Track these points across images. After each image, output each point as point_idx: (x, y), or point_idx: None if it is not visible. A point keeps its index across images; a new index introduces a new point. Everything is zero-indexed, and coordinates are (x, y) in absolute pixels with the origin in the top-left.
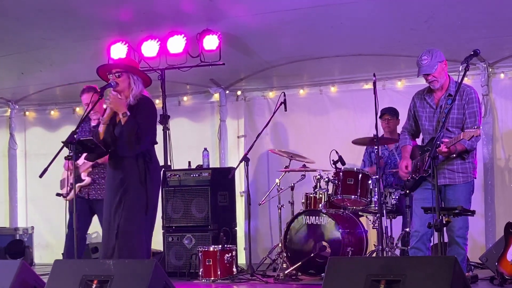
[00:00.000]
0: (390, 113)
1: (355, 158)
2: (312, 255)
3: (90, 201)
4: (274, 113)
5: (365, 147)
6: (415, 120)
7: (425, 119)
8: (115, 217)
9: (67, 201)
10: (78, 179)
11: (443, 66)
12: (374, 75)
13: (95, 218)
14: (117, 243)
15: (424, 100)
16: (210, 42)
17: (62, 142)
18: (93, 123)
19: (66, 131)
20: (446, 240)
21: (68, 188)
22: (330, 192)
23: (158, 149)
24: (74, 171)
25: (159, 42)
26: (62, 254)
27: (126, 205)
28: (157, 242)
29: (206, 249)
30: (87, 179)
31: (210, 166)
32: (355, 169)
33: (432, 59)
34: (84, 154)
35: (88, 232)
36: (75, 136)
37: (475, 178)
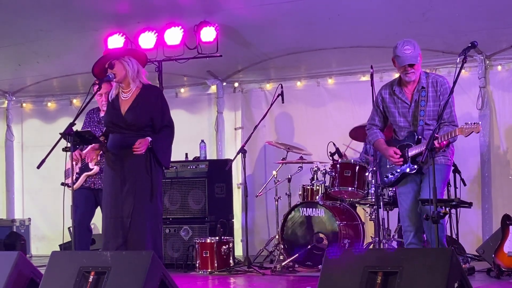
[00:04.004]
0: None
1: (352, 150)
2: (309, 247)
3: (95, 191)
4: (272, 105)
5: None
6: (384, 115)
7: (399, 115)
8: (123, 207)
9: (68, 193)
10: (85, 168)
11: (420, 59)
12: (372, 67)
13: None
14: (130, 231)
15: (395, 95)
16: (208, 34)
17: (60, 133)
18: (102, 114)
19: (63, 122)
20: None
21: (74, 177)
22: (327, 184)
23: None
24: (72, 163)
25: (156, 34)
26: (60, 246)
27: (136, 194)
28: None
29: (203, 241)
30: (95, 168)
31: (207, 158)
32: (352, 161)
33: (415, 50)
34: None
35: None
36: (83, 127)
37: (452, 161)
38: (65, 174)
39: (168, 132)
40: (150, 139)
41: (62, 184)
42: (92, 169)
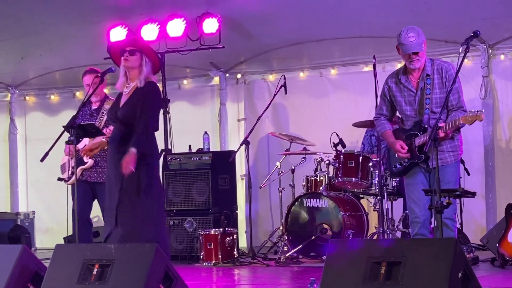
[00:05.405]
0: None
1: (355, 140)
2: (313, 238)
3: (91, 184)
4: (274, 96)
5: (365, 129)
6: (391, 104)
7: (406, 103)
8: (112, 200)
9: (69, 186)
10: (80, 161)
11: (425, 46)
12: (374, 57)
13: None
14: (117, 226)
15: (401, 84)
16: (210, 26)
17: (63, 126)
18: (94, 106)
19: (67, 115)
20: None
21: (70, 172)
22: (330, 174)
23: (159, 133)
24: (75, 156)
25: (158, 26)
26: (64, 238)
27: (123, 188)
28: None
29: (207, 232)
30: (89, 162)
31: (211, 150)
32: (355, 151)
33: (419, 37)
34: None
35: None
36: (76, 120)
37: (462, 153)
38: (61, 169)
39: (139, 127)
40: (133, 150)
41: (59, 179)
42: (87, 162)
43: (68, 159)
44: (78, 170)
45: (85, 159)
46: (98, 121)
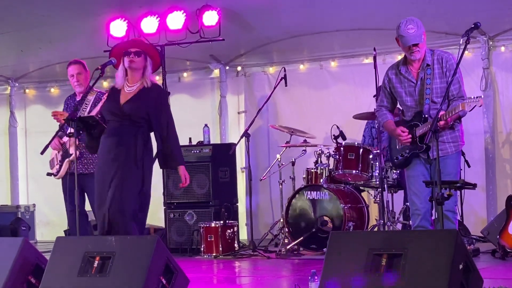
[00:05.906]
0: None
1: (356, 132)
2: (313, 230)
3: (78, 176)
4: (275, 88)
5: (365, 122)
6: (392, 96)
7: (406, 94)
8: (108, 191)
9: (60, 179)
10: (66, 154)
11: (424, 37)
12: (375, 50)
13: None
14: (109, 217)
15: (401, 75)
16: (210, 18)
17: (63, 119)
18: (78, 98)
19: None
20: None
21: (58, 166)
22: (331, 167)
23: None
24: (75, 149)
25: (158, 18)
26: (65, 231)
27: (120, 180)
28: (158, 218)
29: (207, 225)
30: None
31: (211, 142)
32: (356, 144)
33: (418, 29)
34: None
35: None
36: (77, 113)
37: (463, 144)
38: (50, 164)
39: (172, 143)
40: (183, 167)
41: (48, 174)
42: (72, 154)
43: (56, 153)
44: (66, 163)
45: (71, 150)
46: (81, 112)
